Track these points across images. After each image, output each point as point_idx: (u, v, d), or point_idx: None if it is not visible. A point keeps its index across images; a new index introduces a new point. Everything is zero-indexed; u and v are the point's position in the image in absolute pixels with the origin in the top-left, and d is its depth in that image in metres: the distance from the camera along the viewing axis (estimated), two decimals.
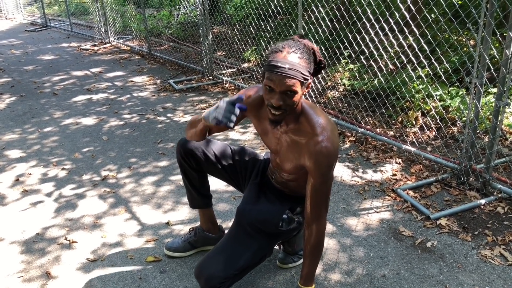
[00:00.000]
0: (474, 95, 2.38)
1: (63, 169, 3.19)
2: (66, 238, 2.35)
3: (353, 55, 3.95)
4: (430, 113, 3.29)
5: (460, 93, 3.17)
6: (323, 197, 1.58)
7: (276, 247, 2.09)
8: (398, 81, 3.37)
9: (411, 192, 2.53)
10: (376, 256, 2.04)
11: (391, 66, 3.37)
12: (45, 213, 2.61)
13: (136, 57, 6.97)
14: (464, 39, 3.94)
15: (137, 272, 2.06)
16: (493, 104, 2.30)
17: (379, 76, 3.50)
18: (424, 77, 3.21)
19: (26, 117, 4.39)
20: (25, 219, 2.57)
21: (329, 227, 2.28)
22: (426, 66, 2.93)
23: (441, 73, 2.86)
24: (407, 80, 3.37)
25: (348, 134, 3.40)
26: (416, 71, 3.45)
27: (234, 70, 5.42)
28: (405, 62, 3.00)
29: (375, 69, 3.34)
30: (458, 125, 3.19)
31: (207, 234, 2.12)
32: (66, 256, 2.20)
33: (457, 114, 3.19)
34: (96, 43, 8.17)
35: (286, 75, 1.39)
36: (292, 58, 1.41)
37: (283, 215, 1.72)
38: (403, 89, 3.32)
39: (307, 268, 1.68)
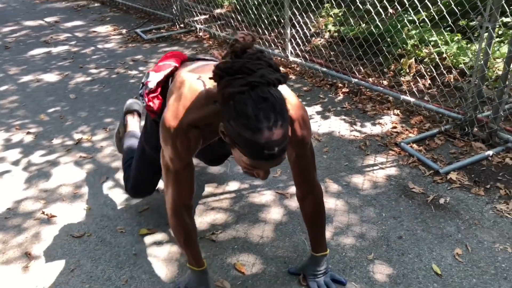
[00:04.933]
0: (484, 41, 2.22)
1: (28, 133, 2.86)
2: (43, 212, 2.09)
3: None
4: (429, 60, 3.13)
5: (464, 41, 3.01)
6: (311, 162, 1.50)
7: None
8: (387, 26, 3.15)
9: (415, 146, 2.40)
10: (388, 216, 1.92)
11: (380, 9, 3.13)
12: (14, 184, 2.32)
13: (96, 5, 6.37)
14: None
15: (130, 247, 1.85)
16: (506, 50, 2.14)
17: (368, 21, 3.28)
18: (417, 20, 3.00)
19: None
20: None
21: (334, 187, 2.13)
22: (420, 9, 2.73)
23: (436, 16, 2.66)
24: (398, 24, 3.16)
25: (340, 85, 3.20)
26: (408, 13, 3.24)
27: (207, 16, 5.03)
28: (396, 3, 2.78)
29: (363, 12, 3.10)
30: (453, 72, 3.06)
31: None
32: (46, 233, 1.96)
33: (459, 61, 3.04)
34: None
35: (277, 159, 1.12)
36: (278, 134, 1.09)
37: None
38: (394, 35, 3.12)
39: (316, 237, 1.59)
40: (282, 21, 3.63)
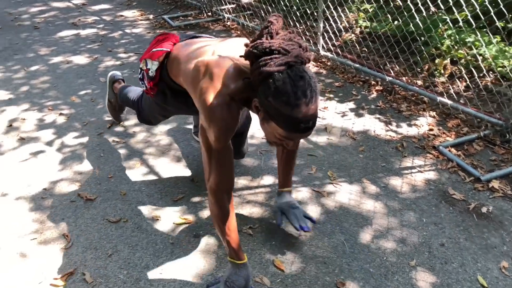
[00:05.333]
0: None
1: (61, 114, 2.86)
2: (79, 195, 2.09)
3: None
4: (467, 61, 3.06)
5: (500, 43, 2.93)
6: None
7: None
8: (427, 24, 3.06)
9: (453, 150, 2.35)
10: (429, 222, 1.89)
11: (420, 7, 3.06)
12: (49, 165, 2.33)
13: None
14: None
15: (167, 236, 1.85)
16: None
17: (407, 18, 3.20)
18: (460, 19, 2.92)
19: (7, 53, 3.92)
20: (27, 171, 2.28)
21: (372, 188, 2.10)
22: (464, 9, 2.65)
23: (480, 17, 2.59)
24: (439, 23, 3.09)
25: (373, 82, 3.15)
26: (441, 14, 3.16)
27: (234, 6, 4.98)
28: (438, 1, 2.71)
29: (402, 9, 3.03)
30: (491, 76, 2.99)
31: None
32: (83, 216, 1.96)
33: (498, 64, 2.96)
34: None
35: (310, 131, 1.26)
36: (313, 109, 1.22)
37: None
38: (429, 34, 3.05)
39: (288, 175, 1.81)
40: (315, 14, 3.57)
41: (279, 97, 1.19)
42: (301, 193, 2.08)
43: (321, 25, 3.40)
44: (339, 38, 3.77)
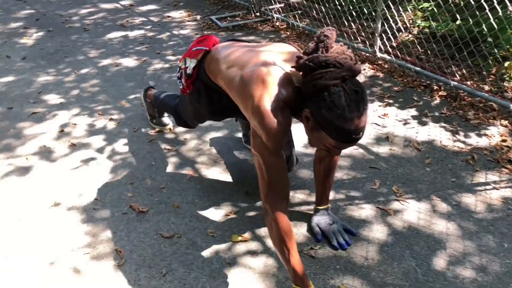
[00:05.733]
0: None
1: (111, 119, 2.83)
2: (131, 206, 2.04)
3: None
4: None
5: None
6: None
7: None
8: (503, 25, 2.80)
9: None
10: None
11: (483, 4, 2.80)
12: (100, 173, 2.29)
13: None
14: None
15: (223, 254, 1.75)
16: None
17: (478, 17, 2.95)
18: None
19: (58, 56, 3.97)
20: (79, 179, 2.25)
21: (443, 206, 1.92)
22: None
23: None
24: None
25: (435, 87, 2.93)
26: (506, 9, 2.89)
27: (283, 5, 4.83)
28: None
29: (472, 7, 2.79)
30: None
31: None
32: (135, 229, 1.90)
33: None
34: None
35: (358, 141, 1.31)
36: (364, 121, 1.28)
37: None
38: (499, 34, 2.79)
39: (325, 192, 1.80)
40: (373, 13, 3.38)
41: (334, 110, 1.24)
42: (364, 211, 1.92)
43: (379, 26, 3.21)
44: (397, 39, 3.55)
